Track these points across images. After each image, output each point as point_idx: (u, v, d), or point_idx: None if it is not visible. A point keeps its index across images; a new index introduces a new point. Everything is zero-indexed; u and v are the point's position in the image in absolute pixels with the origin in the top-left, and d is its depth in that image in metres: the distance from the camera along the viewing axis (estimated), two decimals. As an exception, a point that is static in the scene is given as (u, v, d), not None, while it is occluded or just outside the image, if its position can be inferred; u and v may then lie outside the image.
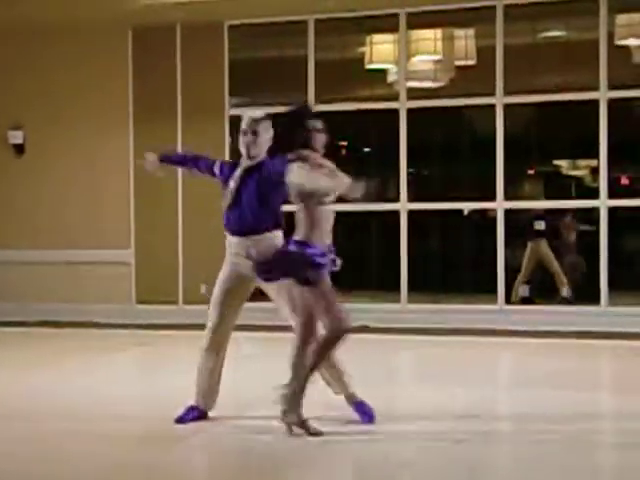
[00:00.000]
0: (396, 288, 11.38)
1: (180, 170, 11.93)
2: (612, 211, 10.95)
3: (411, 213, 11.39)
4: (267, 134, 6.11)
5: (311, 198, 5.64)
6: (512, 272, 11.80)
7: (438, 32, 11.70)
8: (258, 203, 5.98)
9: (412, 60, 11.72)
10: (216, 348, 6.12)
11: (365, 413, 5.95)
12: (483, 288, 11.56)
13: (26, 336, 11.29)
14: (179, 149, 11.98)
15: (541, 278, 12.49)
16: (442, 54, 11.79)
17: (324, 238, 5.68)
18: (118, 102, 12.17)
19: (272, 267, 5.68)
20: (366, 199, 5.86)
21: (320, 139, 5.80)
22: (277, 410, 5.80)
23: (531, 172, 13.68)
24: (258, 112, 6.23)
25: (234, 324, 6.18)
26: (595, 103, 10.79)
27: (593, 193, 11.32)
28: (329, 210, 5.73)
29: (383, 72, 12.01)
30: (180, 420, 6.09)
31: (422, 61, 11.83)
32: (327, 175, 5.69)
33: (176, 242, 11.98)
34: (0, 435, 6.06)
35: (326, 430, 5.73)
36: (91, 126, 12.24)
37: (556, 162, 14.55)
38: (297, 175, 5.67)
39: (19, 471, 5.16)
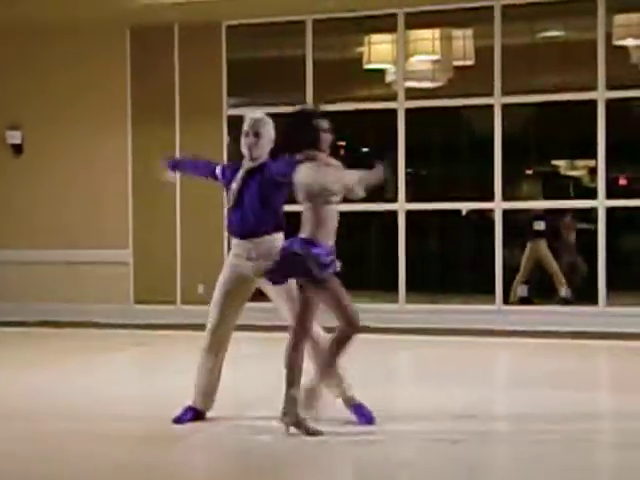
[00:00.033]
0: (394, 288, 11.39)
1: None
2: (610, 211, 10.96)
3: (409, 213, 11.39)
4: (269, 135, 6.11)
5: (319, 197, 5.66)
6: (510, 272, 11.81)
7: (436, 32, 11.70)
8: (260, 205, 5.99)
9: (410, 60, 11.72)
10: (216, 348, 6.12)
11: (364, 415, 5.95)
12: (481, 288, 11.56)
13: (25, 336, 11.29)
14: (177, 150, 11.99)
15: (539, 278, 12.50)
16: (440, 54, 11.79)
17: (329, 237, 5.71)
18: (116, 102, 12.16)
19: (280, 270, 5.68)
20: (385, 182, 5.84)
21: (327, 139, 5.82)
22: (276, 410, 5.80)
23: (529, 172, 13.69)
24: (259, 113, 6.23)
25: (234, 325, 6.18)
26: (593, 103, 10.79)
27: (591, 193, 11.33)
28: (335, 210, 5.74)
29: (381, 72, 12.01)
30: (178, 420, 6.09)
31: (420, 61, 11.83)
32: (335, 174, 5.71)
33: (174, 242, 11.98)
34: (0, 435, 6.06)
35: (325, 430, 5.73)
36: (89, 126, 12.24)
37: (554, 162, 14.55)
38: (306, 175, 5.68)
39: (19, 471, 5.15)
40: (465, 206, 12.32)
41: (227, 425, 6.10)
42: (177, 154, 11.99)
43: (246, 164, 6.12)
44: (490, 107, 11.14)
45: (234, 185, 6.06)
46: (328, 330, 6.08)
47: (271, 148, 6.05)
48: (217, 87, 11.94)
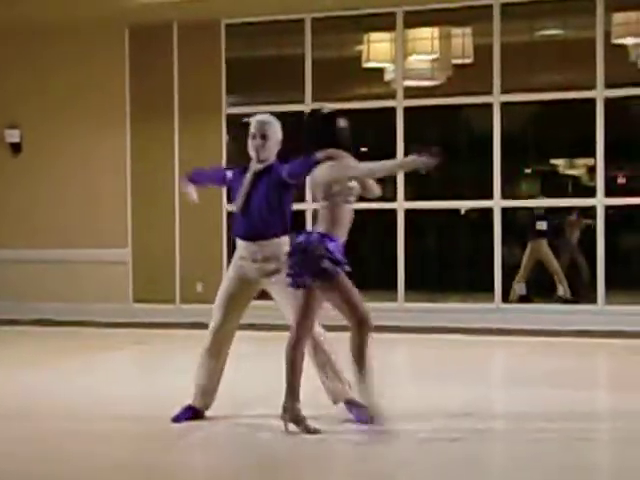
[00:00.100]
0: (393, 287, 11.39)
1: (177, 168, 12.01)
2: (608, 209, 10.96)
3: (408, 212, 11.38)
4: (276, 137, 6.13)
5: (337, 196, 5.66)
6: (510, 271, 11.81)
7: (435, 31, 11.70)
8: (268, 207, 6.00)
9: (409, 59, 11.72)
10: (218, 349, 6.12)
11: (363, 415, 5.95)
12: (480, 287, 11.56)
13: (23, 335, 11.29)
14: (176, 149, 12.00)
15: (539, 277, 12.51)
16: (439, 53, 11.79)
17: (343, 236, 5.73)
18: (115, 101, 12.16)
19: (295, 264, 5.66)
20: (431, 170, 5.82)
21: (346, 137, 5.82)
22: (275, 408, 5.81)
23: (528, 171, 13.71)
24: (266, 115, 6.23)
25: (237, 325, 6.19)
26: (592, 102, 10.79)
27: (590, 192, 11.32)
28: (351, 209, 5.76)
29: (380, 71, 12.01)
30: (176, 419, 6.09)
31: (419, 60, 11.83)
32: (355, 170, 5.71)
33: (173, 241, 11.98)
34: (0, 435, 6.06)
35: (324, 429, 5.73)
36: (88, 125, 12.24)
37: (553, 161, 14.57)
38: (326, 173, 5.69)
39: (19, 471, 5.15)
40: (464, 205, 12.32)
41: (226, 424, 6.10)
42: (176, 154, 12.00)
43: (253, 166, 6.12)
44: (489, 106, 11.14)
45: (242, 188, 6.06)
46: (327, 329, 6.10)
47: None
48: (216, 86, 11.94)
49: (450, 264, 13.70)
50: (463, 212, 12.81)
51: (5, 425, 6.27)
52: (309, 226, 10.64)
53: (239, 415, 6.34)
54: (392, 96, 11.53)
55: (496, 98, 11.09)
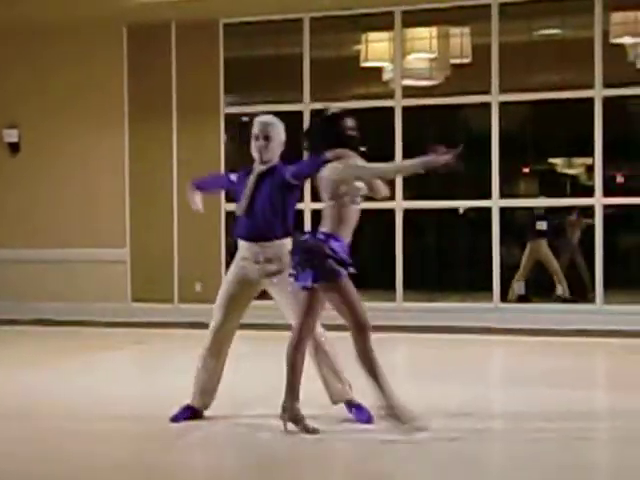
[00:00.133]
0: (392, 286, 11.39)
1: (175, 168, 12.02)
2: (606, 209, 10.97)
3: (407, 211, 11.38)
4: (279, 138, 6.14)
5: (345, 196, 5.67)
6: (508, 270, 11.81)
7: (433, 30, 11.70)
8: (271, 208, 6.01)
9: (407, 58, 11.72)
10: (218, 348, 6.12)
11: (363, 415, 5.97)
12: (478, 286, 11.57)
13: (22, 334, 11.28)
14: (174, 149, 12.00)
15: (537, 277, 12.51)
16: (437, 52, 11.79)
17: (348, 236, 5.73)
18: (113, 101, 12.15)
19: (298, 262, 5.66)
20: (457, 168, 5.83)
21: (354, 137, 5.83)
22: (274, 408, 5.81)
23: (526, 170, 13.72)
24: (268, 116, 6.23)
25: (237, 325, 6.19)
26: (590, 101, 10.79)
27: (588, 191, 11.33)
28: (358, 210, 5.77)
29: (378, 70, 12.01)
30: (175, 419, 6.09)
31: (417, 59, 11.83)
32: (365, 170, 5.72)
33: (171, 241, 11.98)
34: (0, 435, 6.06)
35: (323, 428, 5.74)
36: (86, 124, 12.24)
37: (551, 160, 14.58)
38: (334, 172, 5.69)
39: (19, 471, 5.16)
40: (462, 204, 12.32)
41: (226, 424, 6.10)
42: (175, 154, 12.00)
43: (257, 168, 6.13)
44: (487, 105, 11.14)
45: (246, 190, 6.07)
46: (327, 328, 6.10)
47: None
48: (214, 85, 11.94)
49: (449, 264, 13.70)
50: (462, 212, 12.82)
51: (5, 425, 6.27)
52: (306, 226, 10.65)
53: (238, 415, 6.34)
54: (390, 96, 11.52)
55: (494, 98, 11.09)
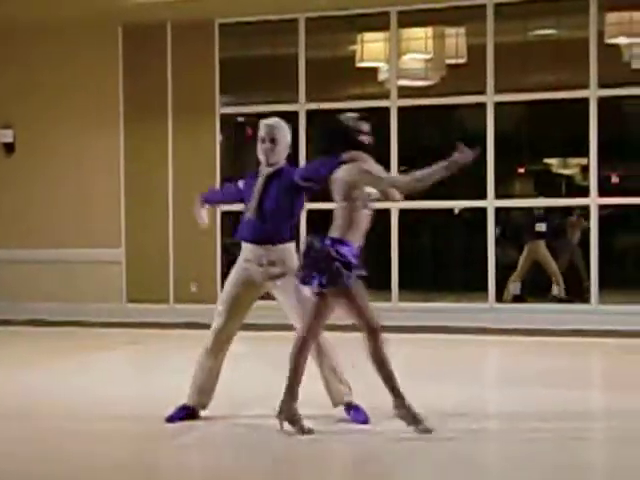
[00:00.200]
0: (387, 287, 11.38)
1: (170, 168, 12.02)
2: (602, 209, 10.99)
3: (402, 212, 11.37)
4: (285, 140, 6.14)
5: (356, 200, 5.68)
6: (505, 270, 11.82)
7: (429, 30, 11.71)
8: (279, 210, 6.01)
9: (403, 58, 11.72)
10: (218, 349, 6.12)
11: (359, 416, 5.98)
12: (474, 286, 11.57)
13: (17, 335, 11.27)
14: (170, 148, 11.99)
15: (533, 277, 12.51)
16: (433, 52, 11.80)
17: (359, 240, 5.75)
18: (109, 101, 12.14)
19: (306, 267, 5.67)
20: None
21: (367, 141, 5.84)
22: (271, 408, 5.83)
23: (522, 170, 13.72)
24: (274, 119, 6.22)
25: (239, 326, 6.19)
26: (585, 101, 10.81)
27: (584, 191, 11.34)
28: (369, 214, 5.78)
29: (374, 70, 12.01)
30: (170, 419, 6.09)
31: (413, 59, 11.84)
32: (380, 176, 5.72)
33: (167, 241, 11.97)
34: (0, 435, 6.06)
35: (319, 429, 5.74)
36: (82, 125, 12.23)
37: (547, 160, 14.59)
38: (349, 174, 5.69)
39: (19, 471, 5.16)
40: (458, 204, 12.32)
41: (224, 424, 6.11)
42: (170, 154, 11.99)
43: (264, 170, 6.13)
44: (483, 105, 11.15)
45: (254, 192, 6.07)
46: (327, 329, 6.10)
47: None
48: (210, 85, 11.93)
49: (444, 264, 13.70)
50: (457, 212, 12.82)
51: (5, 425, 6.27)
52: (303, 228, 10.65)
53: (237, 415, 6.34)
54: (386, 96, 11.53)
55: (490, 98, 11.10)
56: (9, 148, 12.53)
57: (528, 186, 13.52)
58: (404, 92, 11.52)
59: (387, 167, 11.31)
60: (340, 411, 6.06)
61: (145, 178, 12.05)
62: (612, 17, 10.97)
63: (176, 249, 11.93)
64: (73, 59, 12.21)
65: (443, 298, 12.06)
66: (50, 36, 12.15)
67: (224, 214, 11.36)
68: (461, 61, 11.66)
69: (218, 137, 11.97)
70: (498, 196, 11.21)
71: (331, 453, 5.58)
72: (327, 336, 6.07)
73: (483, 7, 11.07)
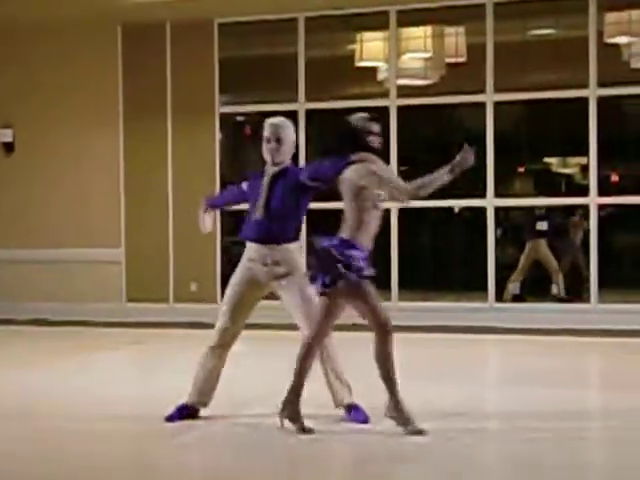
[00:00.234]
0: (387, 286, 11.38)
1: (170, 167, 12.02)
2: (601, 208, 10.99)
3: (402, 210, 11.37)
4: (290, 140, 6.14)
5: (367, 200, 5.68)
6: (505, 270, 11.82)
7: (428, 30, 11.71)
8: (284, 210, 6.01)
9: (402, 58, 11.73)
10: (222, 347, 6.12)
11: (359, 415, 5.98)
12: (473, 286, 11.57)
13: (17, 335, 11.26)
14: (169, 148, 11.99)
15: (532, 276, 12.51)
16: (432, 52, 11.80)
17: (369, 240, 5.75)
18: (108, 100, 12.15)
19: (316, 269, 5.69)
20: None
21: (378, 142, 5.85)
22: (271, 408, 5.84)
23: (521, 170, 13.72)
24: (279, 118, 6.23)
25: (243, 326, 6.19)
26: (585, 101, 10.81)
27: (583, 190, 11.34)
28: (379, 214, 5.79)
29: (373, 70, 12.01)
30: (170, 418, 6.08)
31: (412, 59, 11.84)
32: (389, 179, 5.72)
33: (166, 240, 11.97)
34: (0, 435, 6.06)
35: (320, 429, 5.74)
36: (81, 124, 12.23)
37: (546, 160, 14.59)
38: (358, 175, 5.70)
39: (19, 471, 5.16)
40: (458, 203, 12.32)
41: (224, 423, 6.10)
42: (169, 154, 11.99)
43: (269, 170, 6.13)
44: (482, 104, 11.15)
45: (261, 192, 6.07)
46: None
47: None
48: (209, 85, 11.93)
49: (444, 263, 13.70)
50: (457, 211, 12.82)
51: (5, 425, 6.27)
52: (303, 228, 10.65)
53: (237, 415, 6.34)
54: (385, 95, 11.53)
55: (489, 97, 11.10)
56: (8, 148, 12.54)
57: (528, 185, 13.52)
58: (403, 91, 11.52)
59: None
60: (341, 411, 6.06)
61: (144, 177, 12.05)
62: (611, 17, 10.98)
63: (176, 248, 11.93)
64: (72, 59, 12.21)
65: (443, 297, 12.06)
66: (49, 36, 12.16)
67: (224, 214, 11.35)
68: (460, 60, 11.66)
69: (217, 136, 11.98)
70: (498, 195, 11.21)
71: (331, 453, 5.58)
72: (334, 336, 6.07)
73: (482, 6, 11.08)
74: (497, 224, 11.41)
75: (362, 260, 5.65)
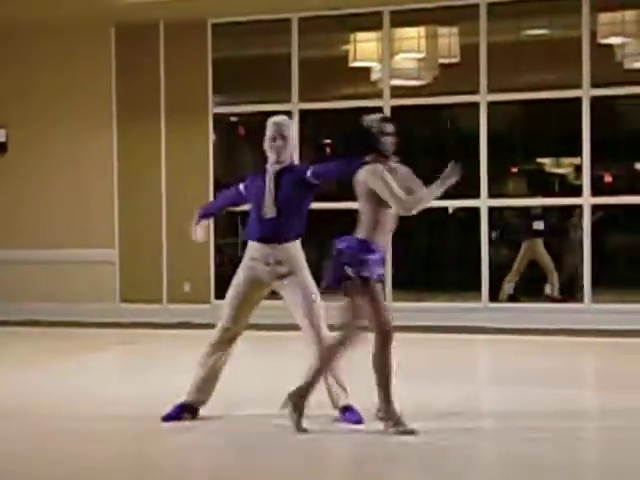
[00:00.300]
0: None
1: (163, 168, 12.01)
2: (595, 209, 11.01)
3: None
4: (293, 138, 6.20)
5: (380, 201, 5.68)
6: (499, 270, 11.83)
7: (422, 30, 11.72)
8: (290, 207, 6.01)
9: (396, 58, 11.73)
10: (223, 346, 6.11)
11: (353, 416, 5.99)
12: (467, 286, 11.58)
13: (12, 335, 11.24)
14: (162, 149, 11.98)
15: (526, 276, 12.52)
16: (426, 52, 11.81)
17: (385, 240, 5.79)
18: (101, 101, 12.13)
19: (331, 269, 5.70)
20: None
21: (392, 142, 5.85)
22: (271, 408, 5.86)
23: (515, 170, 13.74)
24: (281, 117, 6.24)
25: (245, 326, 6.19)
26: (578, 101, 10.83)
27: (577, 191, 11.36)
28: (394, 215, 5.80)
29: (367, 70, 12.02)
30: (167, 418, 6.08)
31: (406, 59, 11.85)
32: (392, 189, 5.72)
33: (160, 241, 11.96)
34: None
35: (315, 429, 5.75)
36: (75, 125, 12.21)
37: (540, 160, 14.60)
38: (371, 177, 5.69)
39: (19, 471, 5.15)
40: (451, 204, 12.32)
41: (223, 424, 6.11)
42: (163, 154, 11.98)
43: (271, 168, 6.12)
44: (476, 105, 11.17)
45: (268, 191, 6.06)
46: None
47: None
48: (203, 85, 11.92)
49: (438, 263, 13.71)
50: (451, 211, 12.83)
51: (4, 425, 6.26)
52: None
53: (237, 415, 6.34)
54: (379, 95, 11.54)
55: (482, 97, 11.12)
56: (2, 148, 12.51)
57: (521, 185, 13.53)
58: (397, 92, 11.53)
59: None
60: (335, 410, 6.06)
61: (138, 178, 12.04)
62: (604, 17, 11.01)
63: (169, 249, 11.92)
64: (66, 59, 12.19)
65: (436, 298, 12.07)
66: (42, 37, 12.13)
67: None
68: (454, 61, 11.67)
69: (211, 137, 11.97)
70: (491, 195, 11.23)
71: (329, 453, 5.59)
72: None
73: (476, 7, 11.09)
74: (492, 226, 11.42)
75: (375, 264, 5.64)
